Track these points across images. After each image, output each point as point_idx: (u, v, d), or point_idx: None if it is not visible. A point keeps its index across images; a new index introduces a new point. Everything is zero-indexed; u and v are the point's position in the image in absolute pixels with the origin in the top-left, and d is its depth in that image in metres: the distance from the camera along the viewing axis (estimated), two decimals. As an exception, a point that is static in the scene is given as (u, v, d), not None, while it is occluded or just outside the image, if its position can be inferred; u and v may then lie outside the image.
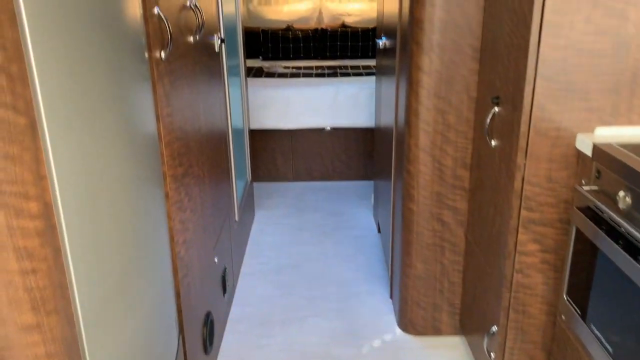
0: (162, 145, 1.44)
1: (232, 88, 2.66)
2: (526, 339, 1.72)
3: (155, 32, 1.38)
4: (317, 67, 4.45)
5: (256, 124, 3.79)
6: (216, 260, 2.11)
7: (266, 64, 4.60)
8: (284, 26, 4.94)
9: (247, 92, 3.26)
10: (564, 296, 1.56)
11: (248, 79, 3.83)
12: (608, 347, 1.34)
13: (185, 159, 1.67)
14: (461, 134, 1.95)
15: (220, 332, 2.22)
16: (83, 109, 0.94)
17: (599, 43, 1.41)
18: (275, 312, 2.44)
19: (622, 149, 1.35)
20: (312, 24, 5.08)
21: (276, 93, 3.76)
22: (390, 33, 2.45)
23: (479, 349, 1.95)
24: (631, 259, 1.23)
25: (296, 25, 4.97)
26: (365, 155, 3.95)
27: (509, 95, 1.58)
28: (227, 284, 2.34)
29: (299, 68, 4.44)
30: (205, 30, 1.96)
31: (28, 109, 0.77)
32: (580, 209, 1.46)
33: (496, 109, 1.68)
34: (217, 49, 2.20)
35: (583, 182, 1.48)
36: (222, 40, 2.29)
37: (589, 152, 1.43)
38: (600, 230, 1.36)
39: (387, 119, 2.57)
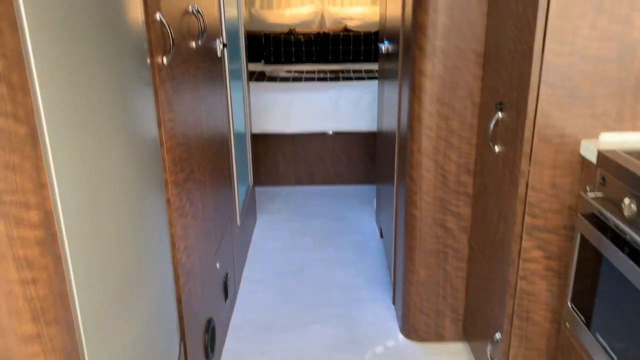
0: (164, 151, 1.43)
1: (234, 92, 2.66)
2: (530, 347, 1.70)
3: (157, 37, 1.37)
4: (319, 71, 4.44)
5: (258, 128, 3.78)
6: (218, 266, 2.10)
7: (268, 68, 4.60)
8: (286, 30, 4.94)
9: (249, 96, 3.26)
10: (569, 303, 1.55)
11: (250, 83, 3.83)
12: (613, 355, 1.33)
13: (187, 164, 1.66)
14: (464, 140, 1.94)
15: (222, 338, 2.21)
16: (84, 116, 0.93)
17: (604, 49, 1.41)
18: (277, 318, 2.43)
19: (627, 155, 1.34)
20: (314, 28, 5.08)
21: (278, 97, 3.76)
22: (392, 37, 2.44)
23: (482, 356, 1.94)
24: (636, 267, 1.21)
25: (298, 29, 4.97)
26: (367, 159, 3.95)
27: (513, 101, 1.57)
28: (229, 289, 2.33)
29: (301, 72, 4.43)
30: (207, 35, 1.96)
31: (29, 118, 0.77)
32: (585, 216, 1.44)
33: (500, 114, 1.67)
34: (219, 54, 2.20)
35: (587, 188, 1.47)
36: (225, 45, 2.28)
37: (593, 158, 1.42)
38: (605, 238, 1.35)
39: (390, 123, 2.57)
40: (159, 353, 1.34)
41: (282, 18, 5.05)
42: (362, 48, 4.76)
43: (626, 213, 1.28)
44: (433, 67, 1.87)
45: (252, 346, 2.24)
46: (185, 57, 1.65)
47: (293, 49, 4.75)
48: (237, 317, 2.43)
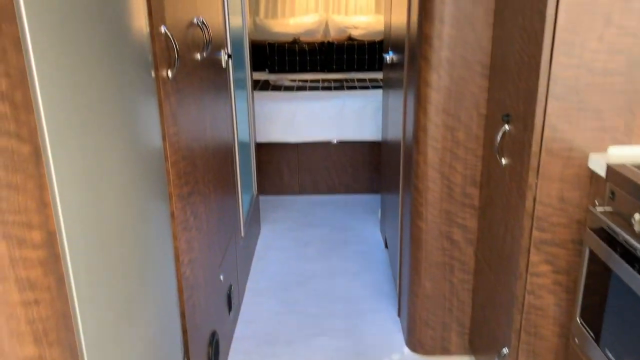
0: (168, 165, 1.42)
1: (239, 101, 2.65)
2: (538, 362, 1.68)
3: (162, 51, 1.37)
4: (323, 80, 4.44)
5: (262, 137, 3.78)
6: (222, 278, 2.09)
7: (272, 77, 4.60)
8: (290, 39, 4.94)
9: (253, 106, 3.25)
10: (577, 319, 1.53)
11: (254, 92, 3.83)
12: (624, 373, 1.31)
13: (192, 177, 1.65)
14: (470, 151, 1.92)
15: (226, 350, 2.19)
16: (88, 133, 0.92)
17: (613, 62, 1.39)
18: (281, 331, 2.41)
19: (637, 169, 1.32)
20: (319, 37, 5.09)
21: (282, 106, 3.75)
22: (397, 47, 2.43)
23: (489, 371, 1.91)
24: (648, 284, 1.19)
25: (303, 38, 4.98)
26: (371, 168, 3.93)
27: (520, 113, 1.55)
28: (233, 301, 2.32)
29: (306, 81, 4.43)
30: (212, 46, 1.95)
31: (32, 136, 0.76)
32: (594, 231, 1.43)
33: (507, 127, 1.66)
34: (224, 65, 2.19)
35: (596, 202, 1.45)
36: (229, 56, 2.28)
37: (602, 172, 1.40)
38: (614, 253, 1.33)
39: (395, 133, 2.55)
40: (162, 369, 1.32)
41: (287, 27, 5.06)
42: (367, 57, 4.76)
43: (636, 228, 1.26)
44: (439, 78, 1.85)
45: (255, 359, 2.22)
46: (190, 69, 1.65)
47: (297, 58, 4.75)
48: (241, 330, 2.41)
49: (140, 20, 1.23)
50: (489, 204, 1.87)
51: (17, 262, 0.74)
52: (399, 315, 2.48)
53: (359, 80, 4.41)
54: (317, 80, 4.44)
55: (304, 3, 5.20)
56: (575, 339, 1.55)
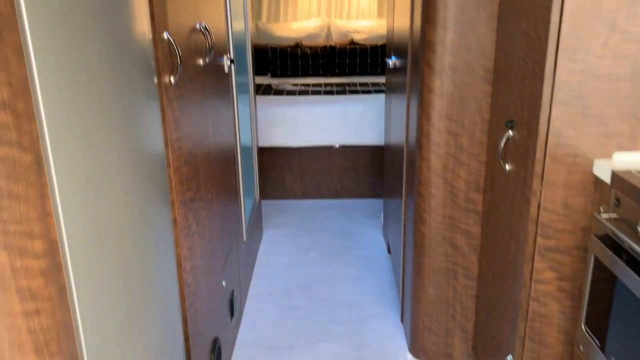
0: (171, 171, 1.41)
1: (241, 106, 2.65)
2: (542, 369, 1.67)
3: (165, 57, 1.36)
4: (325, 85, 4.44)
5: (265, 142, 3.77)
6: (224, 284, 2.08)
7: (275, 81, 4.60)
8: (292, 43, 4.95)
9: (255, 110, 3.25)
10: (582, 326, 1.51)
11: (257, 96, 3.82)
12: (630, 382, 1.29)
13: (194, 183, 1.64)
14: (474, 157, 1.92)
15: (228, 356, 2.18)
16: (90, 140, 0.92)
17: (617, 67, 1.38)
18: (284, 336, 2.40)
19: (642, 176, 1.31)
20: (321, 41, 5.09)
21: (285, 110, 3.75)
22: (400, 52, 2.43)
23: (493, 378, 1.90)
24: (654, 292, 1.18)
25: (305, 43, 4.98)
26: (373, 173, 3.92)
27: (524, 119, 1.55)
28: (235, 307, 2.31)
29: (308, 85, 4.43)
30: (214, 51, 1.95)
31: (34, 145, 0.75)
32: (599, 237, 1.41)
33: (510, 132, 1.65)
34: (226, 70, 2.19)
35: (602, 209, 1.44)
36: (232, 61, 2.27)
37: (607, 179, 1.39)
38: (619, 260, 1.32)
39: (397, 137, 2.55)
40: (164, 377, 1.31)
41: (289, 31, 5.06)
42: (369, 61, 4.75)
43: (642, 236, 1.24)
44: (442, 84, 1.85)
45: (258, 365, 2.21)
46: (193, 74, 1.64)
47: (300, 62, 4.75)
48: (243, 336, 2.40)
49: (142, 27, 1.22)
50: (493, 210, 1.86)
51: (18, 272, 0.73)
52: (401, 321, 2.47)
53: (361, 84, 4.41)
54: (320, 85, 4.44)
55: (306, 7, 5.21)
56: (580, 347, 1.53)
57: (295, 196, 3.98)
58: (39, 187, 0.76)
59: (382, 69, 4.72)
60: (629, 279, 1.28)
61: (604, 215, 1.41)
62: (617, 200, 1.36)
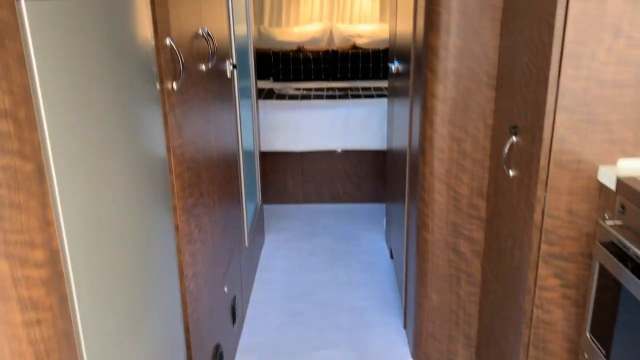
0: (173, 177, 1.41)
1: (243, 110, 2.65)
2: (547, 377, 1.65)
3: (167, 63, 1.36)
4: (328, 89, 4.43)
5: (267, 146, 3.77)
6: (226, 289, 2.07)
7: (277, 86, 4.60)
8: (294, 47, 4.94)
9: (258, 115, 3.25)
10: (587, 334, 1.50)
11: (259, 100, 3.82)
12: (636, 391, 1.28)
13: (196, 189, 1.64)
14: (477, 162, 1.91)
15: (230, 362, 2.17)
16: (93, 148, 0.91)
17: (622, 73, 1.38)
18: (286, 342, 2.39)
19: (647, 183, 1.30)
20: (323, 46, 5.09)
21: (287, 115, 3.75)
22: (403, 56, 2.42)
23: (496, 385, 1.89)
24: (660, 301, 1.17)
25: (307, 47, 4.98)
26: (376, 177, 3.92)
27: (528, 125, 1.54)
28: (237, 313, 2.30)
29: (310, 89, 4.43)
30: (217, 57, 1.95)
31: (35, 154, 0.74)
32: (604, 244, 1.40)
33: (514, 138, 1.64)
34: (229, 75, 2.19)
35: (606, 216, 1.43)
36: (234, 66, 2.27)
37: (612, 185, 1.38)
38: (625, 268, 1.31)
39: (400, 142, 2.54)
40: (166, 385, 1.30)
41: (291, 35, 5.06)
42: (371, 65, 4.75)
43: (648, 243, 1.23)
44: (445, 89, 1.84)
45: (260, 371, 2.20)
46: (195, 80, 1.64)
47: (302, 66, 4.75)
48: (245, 342, 2.39)
49: (145, 33, 1.22)
50: (496, 216, 1.85)
51: (19, 281, 0.73)
52: (404, 327, 2.46)
53: (364, 88, 4.41)
54: (322, 89, 4.43)
55: (308, 11, 5.21)
56: (585, 355, 1.52)
57: (297, 201, 3.97)
58: (40, 196, 0.75)
59: (385, 73, 4.72)
60: (634, 287, 1.27)
61: (609, 222, 1.40)
62: (622, 207, 1.35)
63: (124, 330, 1.03)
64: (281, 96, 4.15)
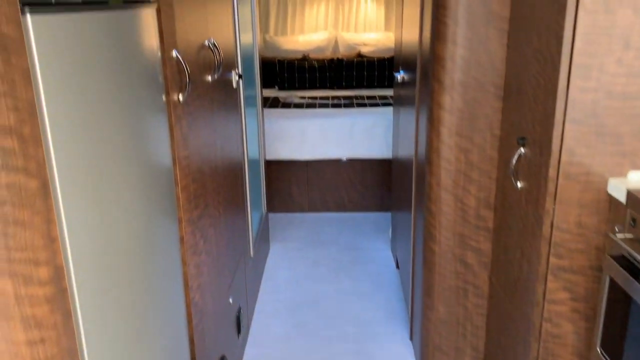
0: (178, 189, 1.40)
1: (249, 119, 2.64)
2: (556, 392, 1.63)
3: (174, 75, 1.35)
4: (333, 97, 4.43)
5: (272, 155, 3.76)
6: (231, 300, 2.06)
7: (282, 94, 4.60)
8: (300, 56, 4.95)
9: (263, 123, 3.24)
10: (597, 349, 1.48)
11: (264, 109, 3.82)
12: (648, 408, 1.26)
13: (202, 200, 1.63)
14: (484, 173, 1.89)
15: (235, 374, 2.16)
16: (98, 162, 0.91)
17: (631, 85, 1.36)
18: (291, 354, 2.37)
19: (658, 196, 1.29)
20: (328, 54, 5.09)
21: (292, 123, 3.74)
22: (408, 65, 2.41)
23: (504, 399, 1.86)
24: (673, 317, 1.15)
25: (312, 55, 4.98)
26: (381, 186, 3.90)
27: (537, 137, 1.52)
28: (242, 324, 2.28)
29: (315, 98, 4.42)
30: (223, 67, 1.94)
31: (40, 170, 0.74)
32: (614, 258, 1.38)
33: (522, 150, 1.63)
34: (234, 85, 2.18)
35: (616, 229, 1.41)
36: (240, 76, 2.27)
37: (622, 198, 1.36)
38: (635, 281, 1.29)
39: (406, 151, 2.53)
40: (170, 400, 1.29)
41: (296, 44, 5.07)
42: (376, 74, 4.75)
43: (659, 258, 1.22)
44: (452, 100, 1.83)
45: (265, 383, 2.18)
46: (201, 91, 1.63)
47: (307, 75, 4.75)
48: (250, 353, 2.37)
49: (151, 45, 1.21)
50: (504, 227, 1.83)
51: (22, 300, 0.72)
52: (411, 339, 2.43)
53: (369, 97, 4.40)
54: (327, 98, 4.43)
55: (313, 20, 5.22)
56: (595, 369, 1.50)
57: (302, 209, 3.96)
58: (44, 213, 0.75)
59: (390, 82, 4.71)
60: (645, 302, 1.25)
61: (619, 236, 1.38)
62: (633, 220, 1.33)
63: (129, 344, 1.02)
64: (286, 105, 4.15)
